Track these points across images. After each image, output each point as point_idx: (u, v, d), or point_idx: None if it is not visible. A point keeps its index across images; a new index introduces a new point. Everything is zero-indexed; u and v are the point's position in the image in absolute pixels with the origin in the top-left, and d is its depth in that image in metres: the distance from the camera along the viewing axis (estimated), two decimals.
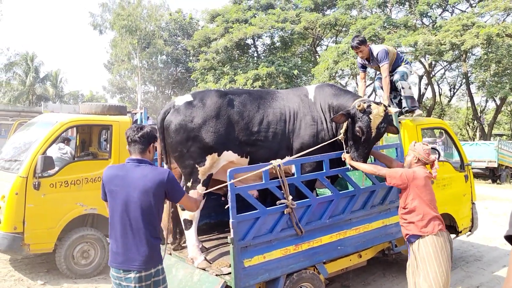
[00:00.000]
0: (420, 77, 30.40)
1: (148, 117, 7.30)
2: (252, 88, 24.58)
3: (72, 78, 74.58)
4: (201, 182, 4.85)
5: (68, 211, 6.21)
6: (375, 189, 5.40)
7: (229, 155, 4.89)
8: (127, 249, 3.16)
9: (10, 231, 5.86)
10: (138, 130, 3.36)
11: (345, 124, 4.90)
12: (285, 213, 4.62)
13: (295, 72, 26.09)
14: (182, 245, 5.42)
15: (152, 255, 3.19)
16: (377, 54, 6.06)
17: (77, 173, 6.43)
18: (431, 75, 29.85)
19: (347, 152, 4.93)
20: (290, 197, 4.63)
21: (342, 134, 4.93)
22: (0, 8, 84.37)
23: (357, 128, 4.72)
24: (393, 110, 4.96)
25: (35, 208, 5.98)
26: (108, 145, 6.85)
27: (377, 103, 4.78)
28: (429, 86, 30.43)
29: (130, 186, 3.20)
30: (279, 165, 4.57)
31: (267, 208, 4.56)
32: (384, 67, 5.99)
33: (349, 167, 4.92)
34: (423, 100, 32.23)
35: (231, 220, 4.26)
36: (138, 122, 7.27)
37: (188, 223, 4.96)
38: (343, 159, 4.90)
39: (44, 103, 30.38)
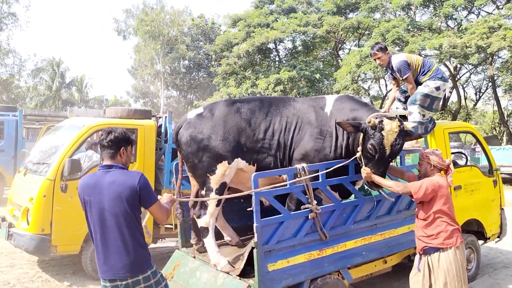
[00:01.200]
0: None
1: (171, 122, 7.36)
2: (273, 92, 24.58)
3: (96, 84, 75.93)
4: (214, 190, 4.90)
5: None
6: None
7: (239, 162, 4.92)
8: (109, 259, 3.09)
9: (38, 233, 5.98)
10: (107, 135, 3.25)
11: (360, 141, 4.63)
12: (309, 218, 4.60)
13: (317, 76, 25.91)
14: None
15: (137, 262, 3.11)
16: (396, 66, 5.61)
17: None
18: (456, 79, 29.36)
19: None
20: (315, 202, 4.61)
21: (359, 153, 4.62)
22: (27, 15, 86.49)
23: (369, 146, 4.45)
24: (410, 125, 4.70)
25: (62, 210, 6.08)
26: (133, 149, 6.93)
27: (391, 118, 4.49)
28: (454, 90, 29.93)
29: (101, 194, 3.11)
30: (303, 169, 4.55)
31: (291, 213, 4.55)
32: (408, 79, 5.56)
33: (366, 186, 4.70)
34: (448, 104, 31.70)
35: (255, 224, 4.27)
36: (163, 126, 7.35)
37: (205, 230, 5.00)
38: (362, 175, 4.58)
39: (70, 107, 30.95)
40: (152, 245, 6.88)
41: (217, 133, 4.86)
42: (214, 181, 4.89)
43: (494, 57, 24.98)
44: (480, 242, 6.65)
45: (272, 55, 30.88)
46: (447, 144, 5.98)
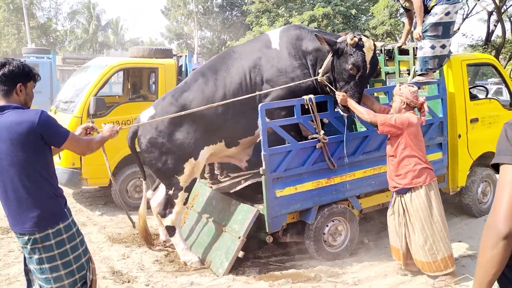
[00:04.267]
0: (490, 13, 28.30)
1: (191, 60, 7.49)
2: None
3: (132, 26, 76.06)
4: (184, 189, 4.86)
5: (121, 148, 6.53)
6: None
7: (206, 152, 4.85)
8: (14, 212, 2.76)
9: (69, 167, 6.43)
10: (0, 67, 2.74)
11: (325, 63, 4.55)
12: (317, 147, 4.74)
13: (353, 11, 25.05)
14: (221, 179, 5.70)
15: (44, 215, 2.75)
16: None
17: (128, 113, 6.82)
18: (502, 11, 27.69)
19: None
20: (322, 132, 4.73)
21: (320, 75, 4.57)
22: None
23: (350, 66, 4.34)
24: (378, 44, 4.64)
25: None
26: (155, 87, 7.17)
27: (366, 36, 4.46)
28: (499, 23, 28.32)
29: None
30: (310, 100, 4.63)
31: (299, 142, 4.70)
32: None
33: (340, 110, 4.58)
34: (492, 39, 30.10)
35: (262, 153, 4.46)
36: (183, 65, 7.50)
37: (171, 229, 4.98)
38: (338, 99, 4.48)
39: (107, 50, 31.38)
40: None
41: (176, 134, 4.71)
42: (183, 180, 4.82)
43: None
44: (497, 176, 6.62)
45: None
46: (464, 76, 5.85)
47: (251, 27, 29.48)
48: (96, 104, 6.38)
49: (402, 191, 4.27)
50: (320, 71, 4.59)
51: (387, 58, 6.30)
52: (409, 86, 4.32)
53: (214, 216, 5.26)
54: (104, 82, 6.72)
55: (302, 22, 24.54)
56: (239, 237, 4.66)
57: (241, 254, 4.66)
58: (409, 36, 6.25)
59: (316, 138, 4.71)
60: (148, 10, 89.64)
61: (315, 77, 4.66)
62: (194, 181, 4.96)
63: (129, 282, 4.58)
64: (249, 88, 4.73)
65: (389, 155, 4.33)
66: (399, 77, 6.41)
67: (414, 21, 5.69)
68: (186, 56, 7.47)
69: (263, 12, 27.78)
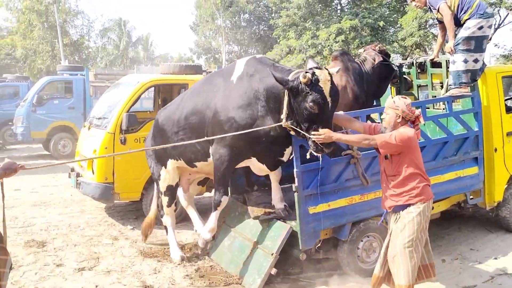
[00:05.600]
0: None
1: None
2: (335, 43, 23.93)
3: (161, 41, 77.54)
4: (163, 193, 5.61)
5: None
6: (447, 141, 5.26)
7: (171, 164, 5.44)
8: None
9: (102, 181, 6.53)
10: None
11: (284, 106, 4.15)
12: (350, 163, 4.68)
13: (381, 23, 24.84)
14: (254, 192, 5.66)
15: None
16: (428, 2, 5.34)
17: None
18: None
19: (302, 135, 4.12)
20: (355, 147, 4.66)
21: (284, 120, 4.16)
22: None
23: (310, 104, 3.89)
24: (333, 70, 4.18)
25: (123, 161, 6.55)
26: None
27: (317, 67, 4.05)
28: None
29: None
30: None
31: (332, 159, 4.65)
32: (441, 6, 5.17)
33: (313, 152, 4.11)
34: None
35: (295, 170, 4.43)
36: None
37: (165, 228, 5.84)
38: (319, 140, 3.95)
39: (137, 66, 32.00)
40: (206, 193, 7.28)
41: (152, 143, 5.64)
42: (161, 185, 5.60)
43: None
44: None
45: (333, 3, 29.91)
46: (500, 89, 5.70)
47: (278, 40, 29.64)
48: (128, 120, 6.48)
49: (399, 208, 3.91)
50: (283, 116, 4.18)
51: (419, 71, 6.22)
52: (402, 98, 3.95)
53: (247, 232, 5.23)
54: (136, 98, 6.83)
55: (329, 35, 24.51)
56: (272, 254, 4.61)
57: (273, 271, 4.61)
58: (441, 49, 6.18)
59: (349, 154, 4.65)
60: (177, 26, 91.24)
61: (279, 123, 4.22)
62: (170, 188, 5.56)
63: None
64: (196, 115, 4.92)
65: (390, 175, 3.94)
66: (432, 90, 6.32)
67: (446, 33, 5.62)
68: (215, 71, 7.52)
69: (290, 26, 27.93)
